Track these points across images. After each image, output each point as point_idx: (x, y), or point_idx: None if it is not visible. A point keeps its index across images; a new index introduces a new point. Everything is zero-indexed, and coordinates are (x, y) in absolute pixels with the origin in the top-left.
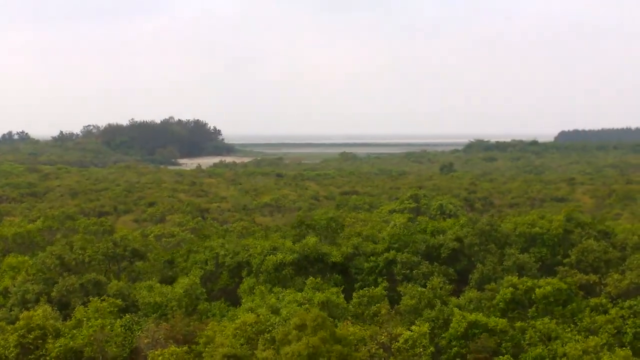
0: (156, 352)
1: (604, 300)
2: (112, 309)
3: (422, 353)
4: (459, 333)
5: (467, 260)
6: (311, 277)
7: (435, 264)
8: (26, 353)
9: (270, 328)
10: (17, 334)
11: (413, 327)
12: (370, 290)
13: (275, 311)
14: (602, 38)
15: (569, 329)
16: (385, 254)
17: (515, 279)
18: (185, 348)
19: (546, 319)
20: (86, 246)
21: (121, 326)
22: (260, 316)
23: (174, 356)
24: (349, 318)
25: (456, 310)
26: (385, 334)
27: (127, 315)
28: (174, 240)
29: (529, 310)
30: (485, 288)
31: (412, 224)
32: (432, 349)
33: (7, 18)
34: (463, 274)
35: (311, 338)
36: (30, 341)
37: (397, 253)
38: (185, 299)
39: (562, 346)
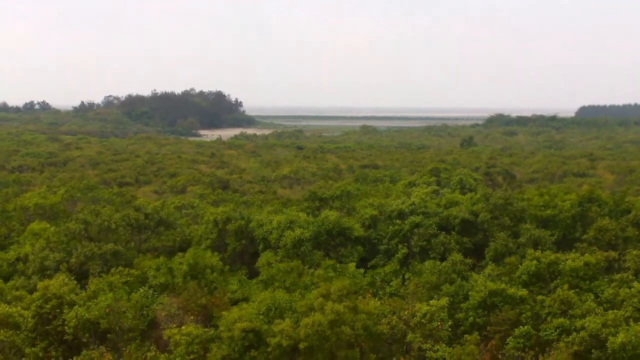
0: (171, 331)
1: (630, 275)
2: (127, 279)
3: (439, 327)
4: (477, 302)
5: (483, 234)
6: (329, 257)
7: (452, 233)
8: (44, 323)
9: (290, 304)
10: (34, 304)
11: (431, 302)
12: (384, 268)
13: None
14: (624, 14)
15: (589, 301)
16: (412, 217)
17: (538, 253)
18: (201, 328)
19: (565, 287)
20: (112, 213)
21: (142, 298)
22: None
23: (191, 337)
24: (369, 293)
25: (479, 279)
26: (407, 309)
27: (142, 289)
28: (194, 211)
29: (552, 283)
30: (504, 262)
31: (436, 197)
32: (450, 322)
33: None
34: (479, 248)
35: (335, 305)
36: (47, 311)
37: (422, 218)
38: (191, 272)
39: (582, 318)
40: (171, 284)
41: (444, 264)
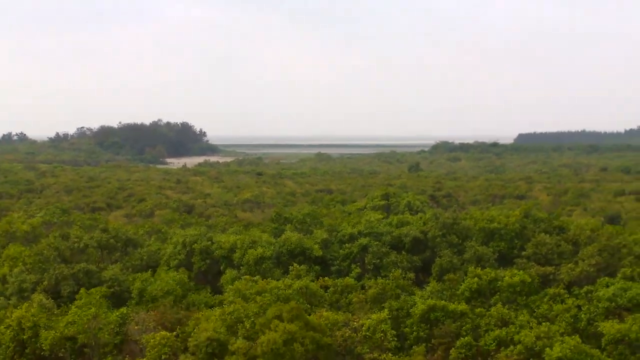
0: (148, 336)
1: (562, 290)
2: (102, 295)
3: (383, 338)
4: (419, 317)
5: (431, 251)
6: (295, 264)
7: (403, 252)
8: (22, 347)
9: (247, 317)
10: (10, 330)
11: (373, 315)
12: (344, 280)
13: (258, 294)
14: (556, 45)
15: (524, 316)
16: (360, 240)
17: (479, 270)
18: (173, 334)
19: (499, 305)
20: (81, 236)
21: (116, 316)
22: (237, 305)
23: (165, 339)
24: (325, 306)
25: (418, 298)
26: (357, 319)
27: (123, 309)
28: (162, 235)
29: (492, 299)
30: (445, 279)
31: (385, 220)
32: (393, 332)
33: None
34: (427, 264)
35: (288, 325)
36: (23, 338)
37: (370, 240)
38: (178, 291)
39: (517, 332)
40: (145, 299)
41: (387, 280)
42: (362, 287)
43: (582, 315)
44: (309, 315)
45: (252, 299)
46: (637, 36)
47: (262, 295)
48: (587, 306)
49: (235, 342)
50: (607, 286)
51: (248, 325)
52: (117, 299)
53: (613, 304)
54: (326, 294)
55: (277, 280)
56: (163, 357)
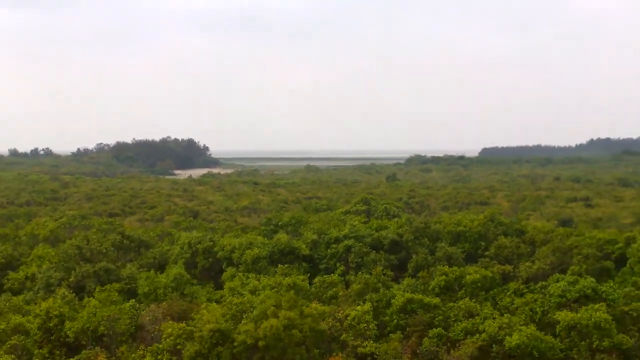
0: (165, 325)
1: (521, 285)
2: (119, 290)
3: (366, 328)
4: (398, 307)
5: (406, 252)
6: (280, 265)
7: (382, 252)
8: (48, 332)
9: (251, 308)
10: (39, 318)
11: (357, 307)
12: (330, 276)
13: (254, 293)
14: (509, 70)
15: (488, 309)
16: (344, 242)
17: (447, 269)
18: (183, 324)
19: (466, 300)
20: (101, 239)
21: (130, 307)
22: (245, 297)
23: (180, 330)
24: (312, 299)
25: (397, 291)
26: (341, 311)
27: (132, 301)
28: (170, 238)
29: (459, 293)
30: (419, 276)
31: (366, 224)
32: (375, 323)
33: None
34: (403, 263)
35: (287, 312)
36: (50, 326)
37: (353, 241)
38: (173, 284)
39: (482, 323)
40: (154, 293)
41: (370, 276)
42: (346, 283)
43: (537, 308)
44: None
45: (254, 294)
46: (582, 63)
47: (262, 290)
48: (541, 299)
49: (240, 329)
50: (558, 281)
51: (253, 315)
52: (132, 294)
53: (564, 298)
54: (312, 287)
55: (272, 276)
56: (179, 346)
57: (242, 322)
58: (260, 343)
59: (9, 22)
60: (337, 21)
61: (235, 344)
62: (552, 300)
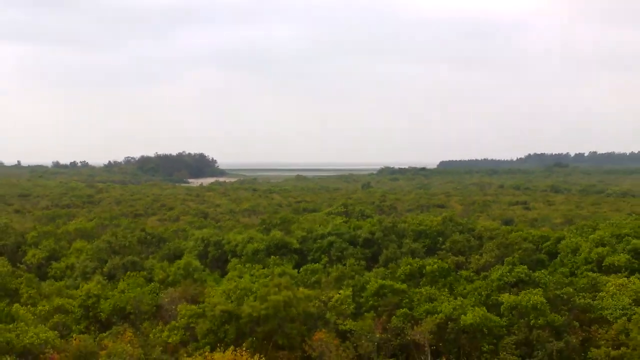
0: (181, 307)
1: (471, 273)
2: (143, 278)
3: (346, 309)
4: (372, 292)
5: (377, 246)
6: (273, 257)
7: (357, 247)
8: (86, 310)
9: (249, 292)
10: (79, 298)
11: (340, 291)
12: (312, 265)
13: (254, 281)
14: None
15: (445, 293)
16: (328, 238)
17: (411, 260)
18: (195, 306)
19: (427, 287)
20: (127, 235)
21: (150, 291)
22: (247, 281)
23: (193, 311)
24: (299, 284)
25: (372, 277)
26: (325, 294)
27: (153, 284)
28: (184, 234)
29: (421, 280)
30: (388, 266)
31: (345, 224)
32: (354, 304)
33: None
34: (375, 255)
35: (286, 292)
36: (89, 304)
37: (335, 238)
38: (182, 272)
39: (440, 305)
40: (170, 280)
41: (344, 267)
42: (328, 272)
43: (483, 292)
44: None
45: (252, 281)
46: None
47: (259, 278)
48: (485, 284)
49: (247, 305)
50: (497, 269)
51: (258, 293)
52: (152, 281)
53: (502, 281)
54: (299, 275)
55: (267, 266)
56: (191, 324)
57: (247, 301)
58: (262, 313)
59: (59, 58)
60: (319, 60)
61: (242, 317)
62: (493, 284)
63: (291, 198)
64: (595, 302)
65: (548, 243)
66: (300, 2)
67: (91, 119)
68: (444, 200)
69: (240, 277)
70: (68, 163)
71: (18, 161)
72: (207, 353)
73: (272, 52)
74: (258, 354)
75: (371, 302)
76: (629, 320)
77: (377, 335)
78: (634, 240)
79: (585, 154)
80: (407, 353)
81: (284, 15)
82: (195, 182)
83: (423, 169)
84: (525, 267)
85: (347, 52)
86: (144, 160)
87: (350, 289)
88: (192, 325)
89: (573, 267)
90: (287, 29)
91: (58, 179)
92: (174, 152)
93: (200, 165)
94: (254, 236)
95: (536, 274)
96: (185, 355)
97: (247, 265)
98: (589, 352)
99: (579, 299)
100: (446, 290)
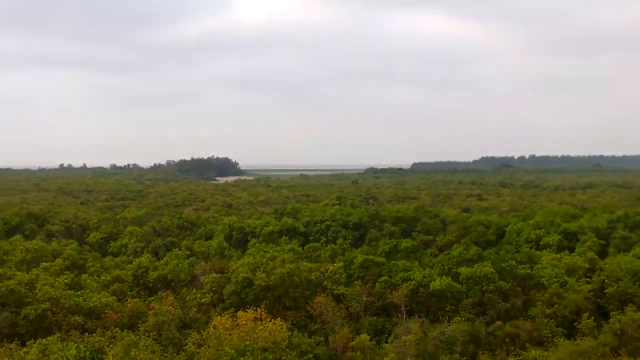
0: (204, 277)
1: (436, 250)
2: (183, 254)
3: (339, 278)
4: (359, 264)
5: (364, 229)
6: (284, 237)
7: (349, 230)
8: (137, 279)
9: (261, 265)
10: (132, 270)
11: (335, 264)
12: (315, 244)
13: (265, 256)
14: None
15: (417, 265)
16: (326, 222)
17: (389, 240)
18: (218, 275)
19: (403, 260)
20: (168, 222)
21: (188, 264)
22: (258, 257)
23: (212, 279)
24: (304, 259)
25: (358, 253)
26: (322, 267)
27: (190, 258)
28: (214, 220)
29: (397, 255)
30: (371, 245)
31: (339, 212)
32: (345, 274)
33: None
34: (362, 236)
35: (289, 265)
36: (139, 274)
37: (331, 222)
38: (216, 250)
39: (413, 274)
40: (204, 254)
41: (335, 246)
42: (325, 250)
43: (446, 265)
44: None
45: (266, 257)
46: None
47: (272, 254)
48: (448, 258)
49: (257, 276)
50: (457, 248)
51: (269, 267)
52: (189, 257)
53: (461, 257)
54: (304, 252)
55: (279, 244)
56: (213, 288)
57: (258, 273)
58: (272, 282)
59: (115, 82)
60: (319, 83)
61: (255, 285)
62: (454, 260)
63: (297, 192)
64: (533, 271)
65: (497, 227)
66: (308, 35)
67: (140, 130)
68: (416, 193)
69: (258, 253)
70: (122, 165)
71: (84, 164)
72: (232, 312)
73: (280, 74)
74: (271, 314)
75: (358, 272)
76: (561, 286)
77: (364, 298)
78: (564, 224)
79: (527, 157)
80: (387, 312)
81: (292, 46)
82: (221, 180)
83: (400, 169)
84: (478, 248)
85: (345, 76)
86: (182, 162)
87: (342, 262)
88: (216, 290)
89: (516, 245)
90: (295, 58)
91: (114, 178)
92: (205, 156)
93: (225, 166)
94: (269, 221)
95: (485, 252)
96: (215, 314)
97: (263, 244)
98: (529, 310)
99: (521, 269)
100: (417, 262)
